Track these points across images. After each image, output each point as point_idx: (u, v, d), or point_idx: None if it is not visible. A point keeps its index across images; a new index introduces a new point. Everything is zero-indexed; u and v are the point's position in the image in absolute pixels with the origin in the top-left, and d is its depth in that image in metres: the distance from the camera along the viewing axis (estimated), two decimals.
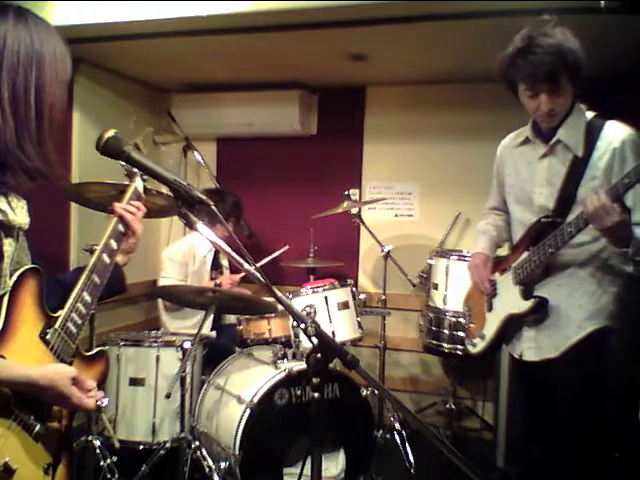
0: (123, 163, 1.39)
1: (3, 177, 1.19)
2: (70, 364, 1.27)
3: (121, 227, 1.42)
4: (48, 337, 1.21)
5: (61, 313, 1.25)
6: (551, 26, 1.88)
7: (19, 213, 1.23)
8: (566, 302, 2.03)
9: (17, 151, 1.16)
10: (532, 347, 2.11)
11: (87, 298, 1.30)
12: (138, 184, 1.50)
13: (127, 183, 1.51)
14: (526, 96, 1.96)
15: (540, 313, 2.06)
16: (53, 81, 1.21)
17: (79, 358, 1.33)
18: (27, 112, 1.17)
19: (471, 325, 2.39)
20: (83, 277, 1.30)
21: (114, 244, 1.39)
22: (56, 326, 1.23)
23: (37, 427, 1.18)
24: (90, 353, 1.40)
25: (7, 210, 1.20)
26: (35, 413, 1.17)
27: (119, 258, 1.45)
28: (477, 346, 2.30)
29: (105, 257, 1.36)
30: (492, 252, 2.33)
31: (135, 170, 1.45)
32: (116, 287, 1.49)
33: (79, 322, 1.28)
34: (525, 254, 2.09)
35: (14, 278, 1.19)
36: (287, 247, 3.74)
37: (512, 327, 2.17)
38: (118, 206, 1.43)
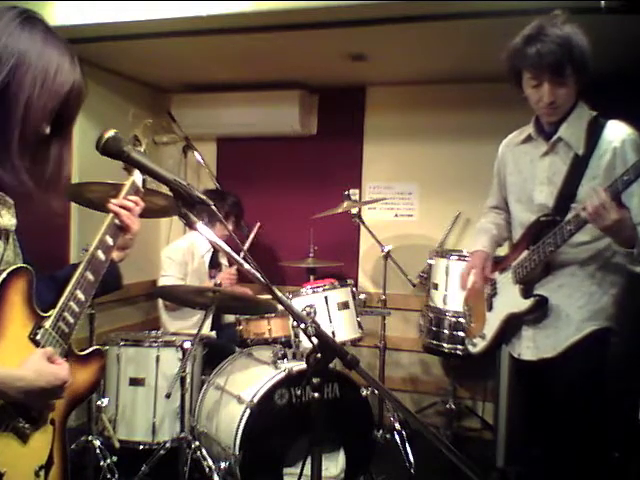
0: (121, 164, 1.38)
1: None
2: None
3: (117, 222, 1.39)
4: (38, 337, 1.18)
5: (52, 312, 1.22)
6: (562, 20, 1.90)
7: (4, 215, 1.20)
8: (566, 303, 2.03)
9: None
10: (530, 347, 2.11)
11: (80, 296, 1.26)
12: (137, 178, 1.46)
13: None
14: (530, 86, 1.96)
15: (540, 312, 2.06)
16: (37, 81, 1.13)
17: (73, 358, 1.30)
18: None
19: (471, 325, 2.39)
20: (76, 275, 1.27)
21: (110, 240, 1.36)
22: (46, 326, 1.20)
23: (27, 430, 1.15)
24: (85, 352, 1.36)
25: None
26: (25, 416, 1.14)
27: (115, 254, 1.42)
28: (477, 346, 2.30)
29: (100, 254, 1.32)
30: (492, 250, 2.33)
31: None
32: (112, 284, 1.46)
33: (72, 321, 1.24)
34: (525, 253, 2.08)
35: (1, 278, 1.15)
36: (259, 224, 3.77)
37: (512, 326, 2.17)
38: (113, 202, 1.40)
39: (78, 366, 1.32)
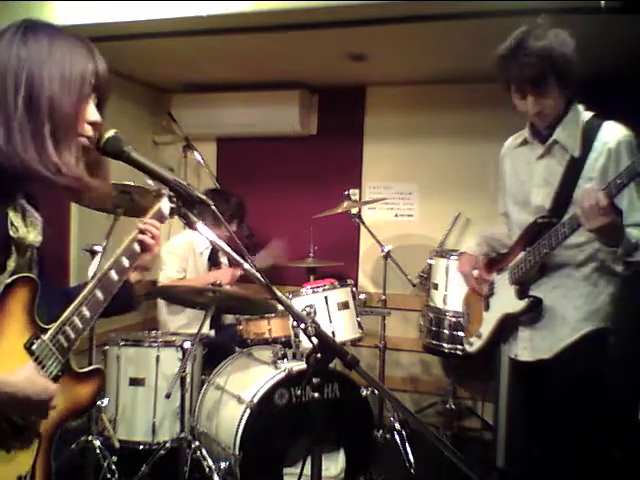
0: (151, 182, 1.35)
1: (18, 185, 1.17)
2: (56, 379, 1.19)
3: (136, 247, 1.37)
4: (34, 348, 1.15)
5: (53, 325, 1.20)
6: (545, 28, 1.87)
7: (31, 231, 1.20)
8: (561, 303, 2.02)
9: (7, 147, 1.11)
10: (527, 347, 2.11)
11: (86, 313, 1.23)
12: (164, 205, 1.44)
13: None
14: (516, 97, 1.97)
15: (534, 313, 2.06)
16: (53, 77, 1.15)
17: (70, 374, 1.27)
18: (15, 104, 1.11)
19: (469, 324, 2.40)
20: (85, 291, 1.25)
21: (126, 262, 1.34)
22: (44, 337, 1.17)
23: (10, 439, 1.14)
24: (84, 370, 1.32)
25: (20, 226, 1.17)
26: (10, 425, 1.13)
27: (132, 275, 1.41)
28: (474, 345, 2.31)
29: (113, 274, 1.30)
30: (480, 252, 2.32)
31: (164, 192, 1.40)
32: (122, 305, 1.43)
33: (72, 336, 1.21)
34: (521, 254, 2.09)
35: (2, 285, 1.13)
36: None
37: (509, 327, 2.17)
38: (139, 225, 1.40)
39: (73, 383, 1.29)
